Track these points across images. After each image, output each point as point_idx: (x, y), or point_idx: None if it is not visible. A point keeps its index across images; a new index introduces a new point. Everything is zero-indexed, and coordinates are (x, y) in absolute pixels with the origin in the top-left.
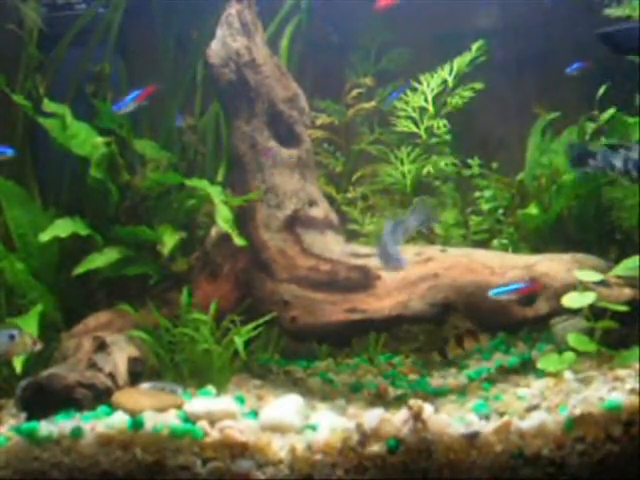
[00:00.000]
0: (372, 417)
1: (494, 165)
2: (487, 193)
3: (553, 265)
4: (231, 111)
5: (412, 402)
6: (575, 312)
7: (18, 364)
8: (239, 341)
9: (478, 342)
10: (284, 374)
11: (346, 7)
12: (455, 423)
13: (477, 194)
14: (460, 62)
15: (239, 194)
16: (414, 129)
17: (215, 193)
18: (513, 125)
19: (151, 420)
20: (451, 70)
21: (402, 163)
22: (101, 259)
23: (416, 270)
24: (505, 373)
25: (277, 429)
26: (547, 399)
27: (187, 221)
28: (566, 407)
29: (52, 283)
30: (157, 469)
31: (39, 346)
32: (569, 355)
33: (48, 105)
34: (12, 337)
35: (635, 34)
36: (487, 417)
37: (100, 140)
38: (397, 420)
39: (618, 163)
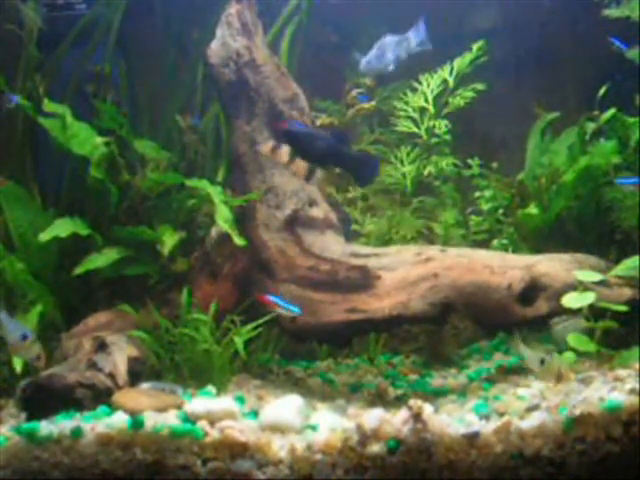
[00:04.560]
0: (372, 417)
1: (494, 165)
2: (487, 193)
3: (553, 265)
4: (231, 111)
5: (412, 402)
6: (575, 312)
7: (18, 364)
8: (239, 341)
9: None
10: (284, 374)
11: (346, 7)
12: (455, 423)
13: (477, 194)
14: (460, 62)
15: (239, 194)
16: (414, 129)
17: (215, 193)
18: (513, 125)
19: (151, 420)
20: (451, 70)
21: (402, 163)
22: (101, 259)
23: (416, 270)
24: (505, 373)
25: (277, 429)
26: (547, 399)
27: (187, 221)
28: (566, 407)
29: (52, 283)
30: (157, 469)
31: (41, 363)
32: (569, 355)
33: (48, 105)
34: (24, 337)
35: (307, 137)
36: (487, 417)
37: (100, 140)
38: (397, 420)
39: None
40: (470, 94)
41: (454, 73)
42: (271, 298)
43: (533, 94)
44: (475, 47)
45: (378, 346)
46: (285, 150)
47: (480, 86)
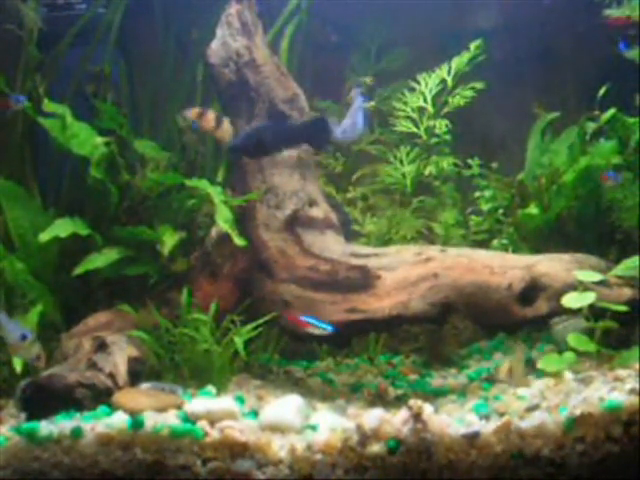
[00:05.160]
0: (372, 417)
1: (494, 165)
2: (487, 193)
3: (553, 265)
4: (231, 111)
5: (412, 402)
6: (575, 312)
7: (18, 364)
8: (239, 341)
9: None
10: (284, 374)
11: (346, 7)
12: (455, 423)
13: (477, 194)
14: (458, 61)
15: (239, 194)
16: (414, 129)
17: (215, 193)
18: (513, 125)
19: (151, 420)
20: (449, 70)
21: (402, 163)
22: (101, 259)
23: (416, 270)
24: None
25: (277, 429)
26: (547, 399)
27: (187, 221)
28: (566, 407)
29: (52, 283)
30: (157, 469)
31: (41, 363)
32: (569, 355)
33: (48, 105)
34: (24, 337)
35: (251, 138)
36: (487, 417)
37: (100, 140)
38: (397, 420)
39: None
40: (469, 93)
41: (452, 72)
42: (303, 319)
43: (533, 94)
44: (473, 46)
45: (378, 346)
46: (211, 115)
47: (478, 85)
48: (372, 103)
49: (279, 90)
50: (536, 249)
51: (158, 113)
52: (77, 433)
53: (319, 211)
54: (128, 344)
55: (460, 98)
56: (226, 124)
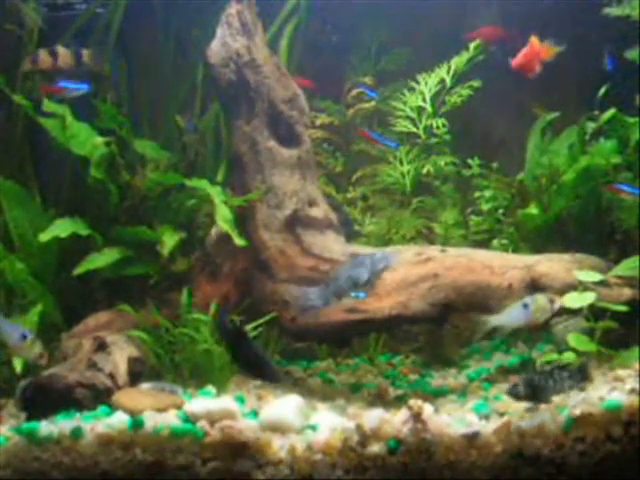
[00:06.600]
0: (372, 417)
1: (494, 165)
2: (487, 193)
3: (553, 265)
4: (231, 111)
5: (412, 402)
6: (575, 312)
7: (18, 364)
8: None
9: None
10: (284, 374)
11: (346, 7)
12: (455, 423)
13: (477, 194)
14: (458, 61)
15: (239, 194)
16: (413, 129)
17: (215, 193)
18: (513, 125)
19: (151, 420)
20: (449, 69)
21: (401, 163)
22: (101, 259)
23: (416, 270)
24: (505, 373)
25: (277, 429)
26: None
27: (187, 221)
28: (566, 407)
29: (52, 283)
30: (157, 469)
31: (43, 361)
32: (569, 355)
33: (48, 105)
34: (24, 337)
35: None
36: (487, 417)
37: (100, 140)
38: (397, 420)
39: None
40: (467, 92)
41: (451, 72)
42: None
43: (533, 94)
44: (472, 46)
45: (378, 346)
46: (67, 54)
47: (476, 83)
48: (372, 103)
49: (279, 90)
50: (536, 249)
51: (158, 113)
52: (77, 433)
53: (319, 211)
54: (128, 344)
55: (458, 97)
56: (60, 50)
